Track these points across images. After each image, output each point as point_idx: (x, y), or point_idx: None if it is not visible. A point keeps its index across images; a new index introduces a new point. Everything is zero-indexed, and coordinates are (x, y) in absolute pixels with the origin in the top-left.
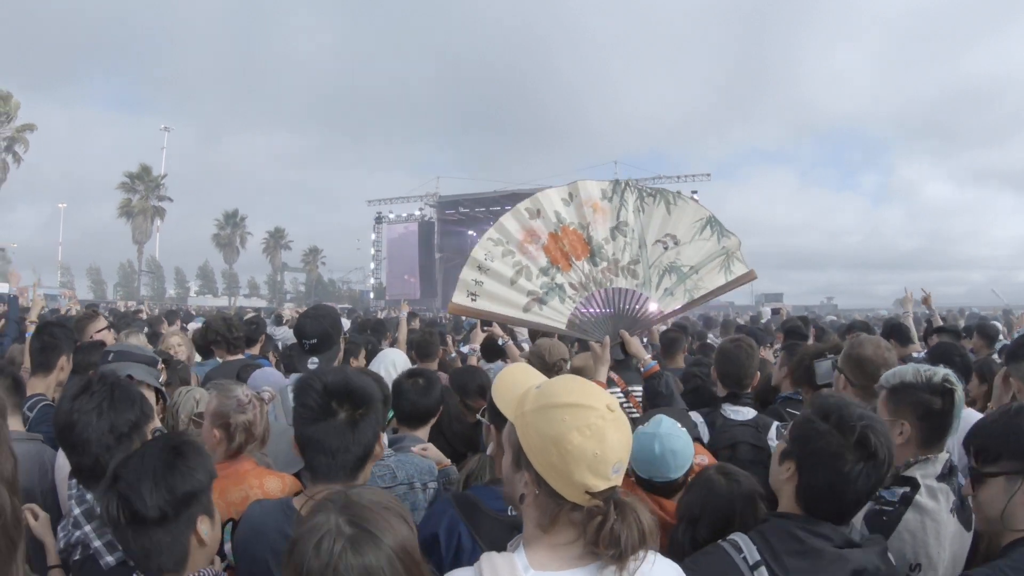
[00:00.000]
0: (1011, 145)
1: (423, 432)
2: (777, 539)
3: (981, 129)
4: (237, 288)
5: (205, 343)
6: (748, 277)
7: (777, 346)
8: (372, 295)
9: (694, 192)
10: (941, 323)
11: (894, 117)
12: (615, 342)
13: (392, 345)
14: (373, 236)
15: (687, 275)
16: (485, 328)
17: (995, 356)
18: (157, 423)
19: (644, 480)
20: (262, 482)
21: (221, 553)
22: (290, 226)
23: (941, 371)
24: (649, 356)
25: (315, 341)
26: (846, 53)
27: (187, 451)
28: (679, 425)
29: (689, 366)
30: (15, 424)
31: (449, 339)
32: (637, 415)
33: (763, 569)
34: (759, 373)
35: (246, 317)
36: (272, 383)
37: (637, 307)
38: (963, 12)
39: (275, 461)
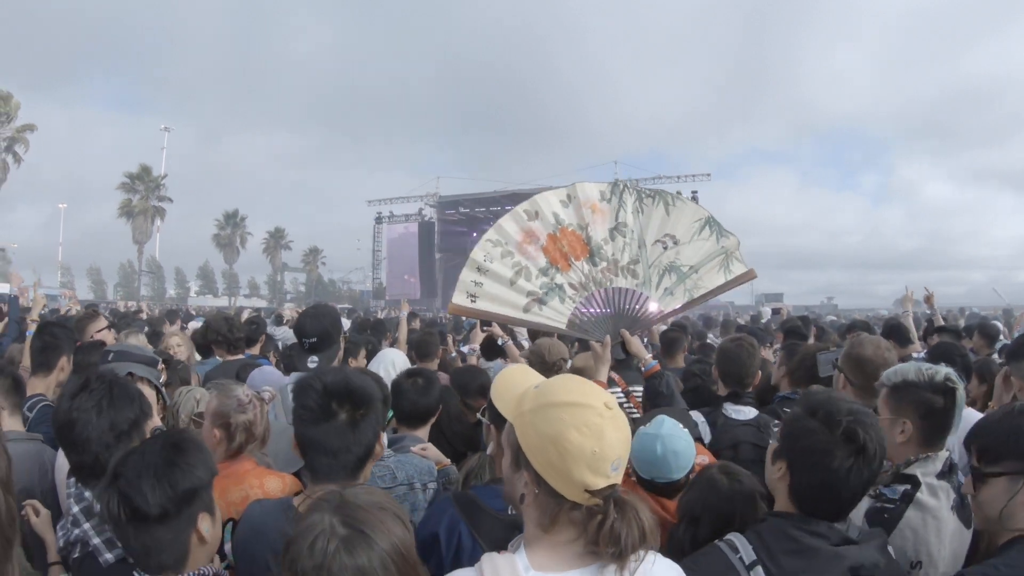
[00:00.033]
0: (1011, 145)
1: (423, 432)
2: (773, 538)
3: (981, 129)
4: (237, 288)
5: (206, 342)
6: (748, 276)
7: (777, 346)
8: (372, 295)
9: (694, 192)
10: (942, 323)
11: (894, 117)
12: (616, 341)
13: (392, 345)
14: (373, 236)
15: (687, 275)
16: (485, 328)
17: (995, 356)
18: (158, 422)
19: (646, 480)
20: (262, 482)
21: (221, 553)
22: (290, 226)
23: (943, 370)
24: (650, 356)
25: (315, 340)
26: (846, 53)
27: (188, 447)
28: (681, 426)
29: (689, 366)
30: (15, 424)
31: (450, 339)
32: (637, 415)
33: (759, 568)
34: (760, 372)
35: (246, 317)
36: (271, 382)
37: (637, 306)
38: (963, 12)
39: (275, 460)
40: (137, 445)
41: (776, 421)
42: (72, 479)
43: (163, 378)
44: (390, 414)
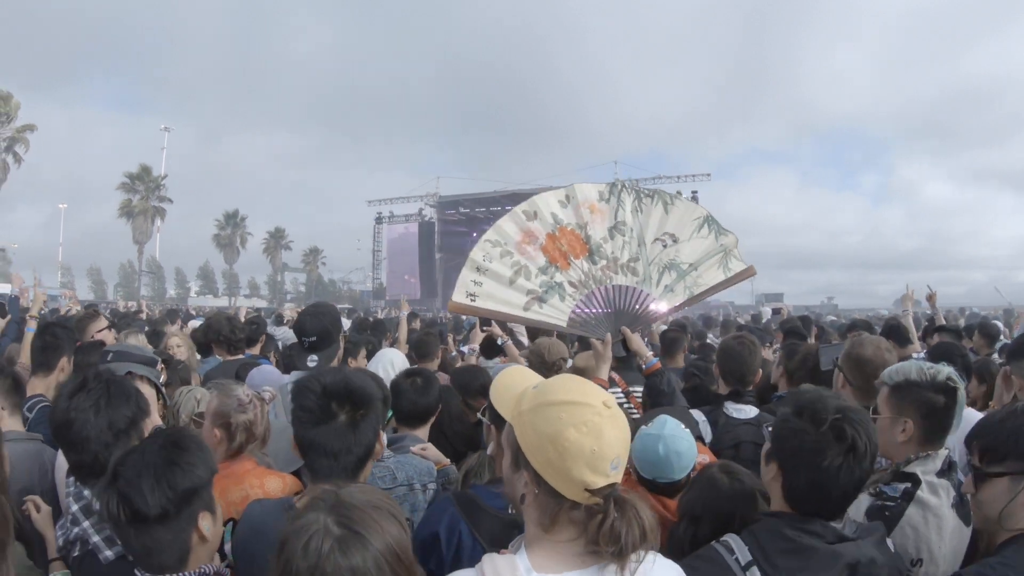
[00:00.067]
0: (1011, 145)
1: (423, 432)
2: (768, 539)
3: (981, 129)
4: (237, 288)
5: (206, 341)
6: (747, 273)
7: (777, 346)
8: (372, 295)
9: (694, 192)
10: (944, 322)
11: (894, 117)
12: (616, 339)
13: (392, 345)
14: (373, 236)
15: (686, 272)
16: (484, 328)
17: (995, 356)
18: (159, 421)
19: (647, 480)
20: (263, 482)
21: (221, 552)
22: (290, 226)
23: (945, 370)
24: (651, 354)
25: (315, 339)
26: (846, 53)
27: (188, 445)
28: (683, 426)
29: (688, 365)
30: (15, 424)
31: (450, 338)
32: (638, 416)
33: (755, 569)
34: (760, 371)
35: (247, 317)
36: (270, 381)
37: (638, 304)
38: (963, 12)
39: (275, 460)
40: (137, 444)
41: (769, 422)
42: (71, 478)
43: (163, 378)
44: (389, 414)
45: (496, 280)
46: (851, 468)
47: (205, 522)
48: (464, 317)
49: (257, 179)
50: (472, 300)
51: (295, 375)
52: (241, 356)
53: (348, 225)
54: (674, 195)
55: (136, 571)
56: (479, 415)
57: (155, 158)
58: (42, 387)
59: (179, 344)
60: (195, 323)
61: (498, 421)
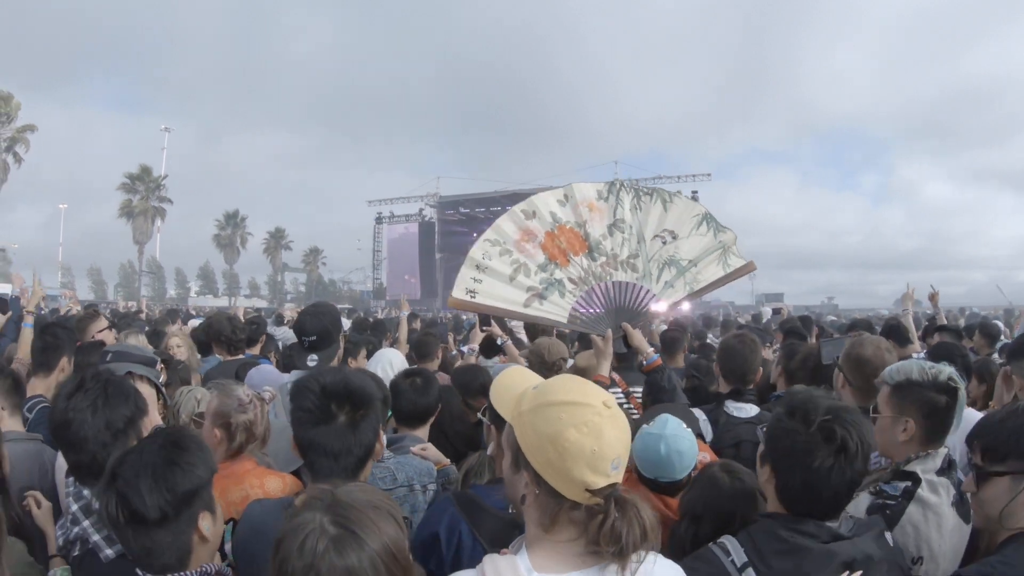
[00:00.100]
0: (1011, 145)
1: (422, 432)
2: (763, 540)
3: (981, 129)
4: (238, 288)
5: (207, 340)
6: (747, 268)
7: (777, 346)
8: (372, 295)
9: (694, 192)
10: (945, 322)
11: (894, 117)
12: (617, 335)
13: (392, 345)
14: (373, 236)
15: (686, 268)
16: (484, 328)
17: (995, 356)
18: (159, 421)
19: (648, 479)
20: (263, 482)
21: (222, 552)
22: (290, 226)
23: (947, 370)
24: (652, 350)
25: (315, 338)
26: (846, 53)
27: (187, 445)
28: (684, 425)
29: (687, 365)
30: (15, 424)
31: (450, 337)
32: (638, 416)
33: (750, 570)
34: (760, 370)
35: (247, 317)
36: (269, 381)
37: (638, 300)
38: (963, 12)
39: (275, 459)
40: (135, 444)
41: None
42: (71, 478)
43: (163, 378)
44: (388, 414)
45: (496, 277)
46: (842, 469)
47: (205, 522)
48: (464, 317)
49: (257, 179)
50: (472, 297)
51: (295, 375)
52: (241, 356)
53: (348, 225)
54: (673, 193)
55: (137, 570)
56: (479, 415)
57: (155, 158)
58: (42, 388)
59: (179, 344)
60: (195, 323)
61: (498, 421)
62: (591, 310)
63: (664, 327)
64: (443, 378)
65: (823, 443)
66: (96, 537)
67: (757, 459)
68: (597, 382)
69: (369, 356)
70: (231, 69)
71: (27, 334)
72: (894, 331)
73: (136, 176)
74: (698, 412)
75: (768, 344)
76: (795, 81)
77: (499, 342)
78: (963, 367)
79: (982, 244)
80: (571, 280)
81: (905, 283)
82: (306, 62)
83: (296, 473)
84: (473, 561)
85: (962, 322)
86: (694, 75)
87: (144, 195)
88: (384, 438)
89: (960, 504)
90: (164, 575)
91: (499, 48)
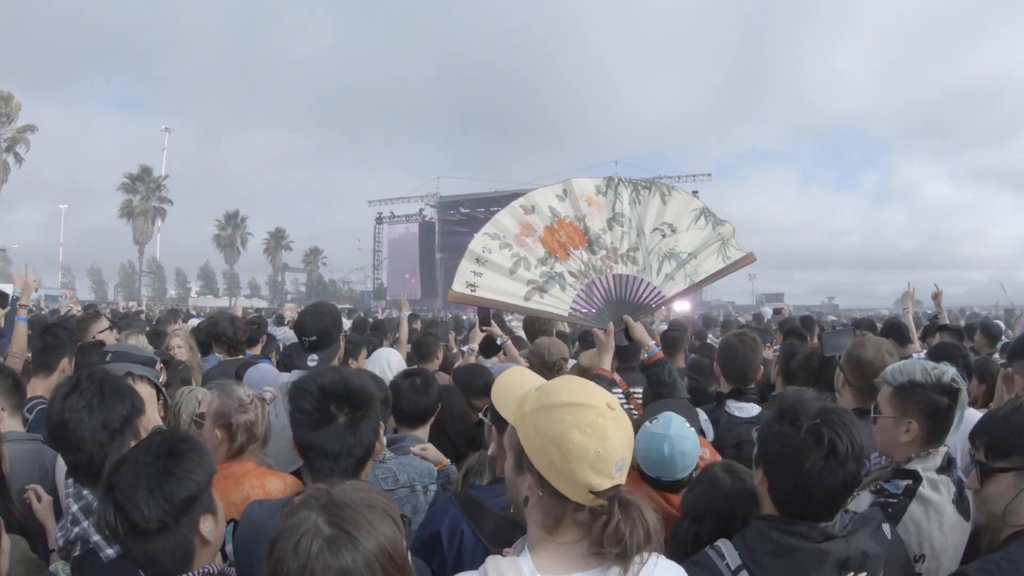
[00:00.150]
0: (1011, 145)
1: (423, 432)
2: (756, 542)
3: (981, 129)
4: (238, 289)
5: (208, 339)
6: (747, 260)
7: (778, 346)
8: (373, 295)
9: (695, 192)
10: (947, 322)
11: (894, 117)
12: (619, 328)
13: (393, 345)
14: (373, 236)
15: (686, 261)
16: (484, 328)
17: (996, 356)
18: (159, 421)
19: (650, 477)
20: (263, 482)
21: (223, 553)
22: (291, 226)
23: (950, 371)
24: (653, 343)
25: (315, 338)
26: (846, 53)
27: (182, 452)
28: (688, 425)
29: (689, 365)
30: (15, 425)
31: (451, 336)
32: (638, 418)
33: (744, 573)
34: (762, 369)
35: (247, 317)
36: (267, 380)
37: (639, 293)
38: (963, 12)
39: (276, 460)
40: (130, 451)
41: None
42: (70, 480)
43: (163, 378)
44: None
45: (496, 271)
46: (834, 471)
47: (207, 525)
48: (464, 317)
49: (257, 179)
50: (472, 290)
51: (295, 374)
52: (241, 356)
53: (348, 225)
54: (671, 187)
55: (140, 573)
56: (480, 415)
57: (155, 158)
58: (43, 388)
59: (180, 344)
60: (194, 322)
61: (500, 422)
62: (591, 310)
63: (664, 327)
64: (443, 378)
65: (813, 446)
66: (96, 537)
67: (752, 461)
68: (599, 375)
69: (369, 356)
70: (231, 69)
71: (21, 327)
72: (894, 330)
73: (136, 176)
74: (700, 412)
75: (768, 344)
76: (795, 81)
77: (499, 342)
78: (964, 367)
79: (982, 244)
80: (571, 274)
81: (906, 283)
82: (306, 62)
83: (297, 473)
84: (475, 561)
85: (962, 322)
86: (694, 75)
87: (144, 195)
88: (383, 437)
89: (960, 502)
90: None
91: (499, 48)
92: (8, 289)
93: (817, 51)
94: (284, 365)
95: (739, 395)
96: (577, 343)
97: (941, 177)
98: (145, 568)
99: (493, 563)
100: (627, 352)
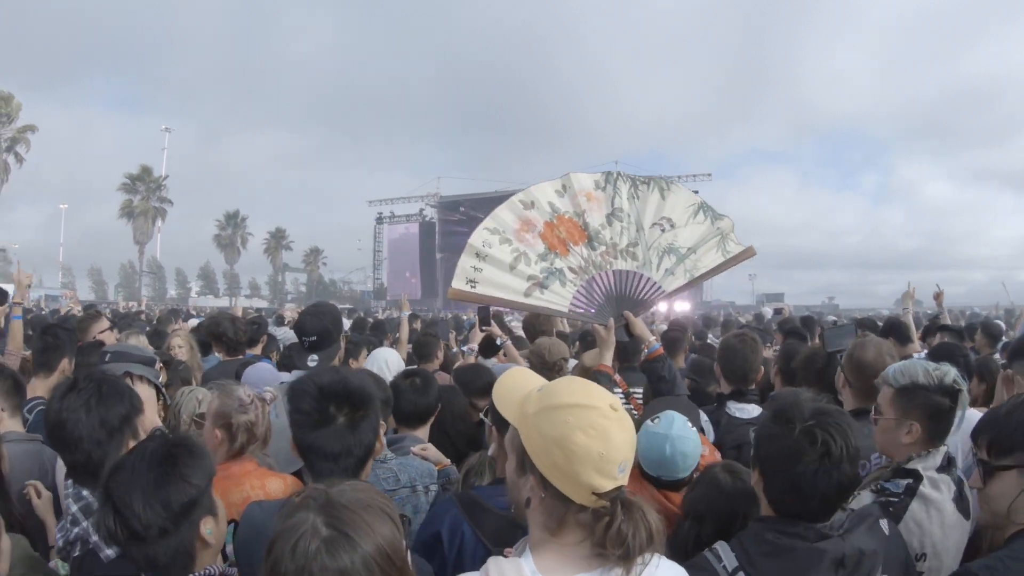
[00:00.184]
0: (1011, 145)
1: (423, 432)
2: (752, 543)
3: (981, 129)
4: (238, 289)
5: (209, 338)
6: (747, 253)
7: (778, 346)
8: (373, 295)
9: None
10: (948, 322)
11: (894, 117)
12: (619, 324)
13: (393, 345)
14: (374, 236)
15: (685, 255)
16: (483, 328)
17: (996, 355)
18: (158, 422)
19: (651, 477)
20: (264, 483)
21: (223, 553)
22: (291, 226)
23: (951, 372)
24: (654, 338)
25: (315, 338)
26: (846, 53)
27: (179, 457)
28: (690, 425)
29: (689, 365)
30: (15, 425)
31: (452, 335)
32: (638, 418)
33: (741, 574)
34: (762, 369)
35: (248, 317)
36: (265, 380)
37: (639, 288)
38: (963, 12)
39: (276, 460)
40: (127, 456)
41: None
42: (70, 480)
43: (162, 378)
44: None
45: (496, 266)
46: (828, 472)
47: (207, 526)
48: (464, 317)
49: (257, 179)
50: (472, 287)
51: (295, 375)
52: (240, 356)
53: (348, 225)
54: (669, 181)
55: (140, 573)
56: (481, 416)
57: (156, 158)
58: (43, 389)
59: (181, 344)
60: (194, 322)
61: (501, 423)
62: (590, 310)
63: (664, 327)
64: (443, 378)
65: (807, 447)
66: (96, 537)
67: (751, 462)
68: (601, 371)
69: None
70: (231, 69)
71: (16, 326)
72: (895, 328)
73: (136, 176)
74: (700, 413)
75: (769, 344)
76: (795, 81)
77: (499, 342)
78: (964, 367)
79: (982, 244)
80: (571, 269)
81: (906, 283)
82: (306, 62)
83: (298, 474)
84: (475, 561)
85: (962, 323)
86: (694, 75)
87: (144, 195)
88: (383, 437)
89: (960, 500)
90: None
91: (499, 48)
92: (9, 289)
93: (817, 51)
94: (284, 365)
95: (740, 396)
96: (577, 343)
97: (941, 177)
98: (146, 571)
99: (495, 564)
100: (627, 352)
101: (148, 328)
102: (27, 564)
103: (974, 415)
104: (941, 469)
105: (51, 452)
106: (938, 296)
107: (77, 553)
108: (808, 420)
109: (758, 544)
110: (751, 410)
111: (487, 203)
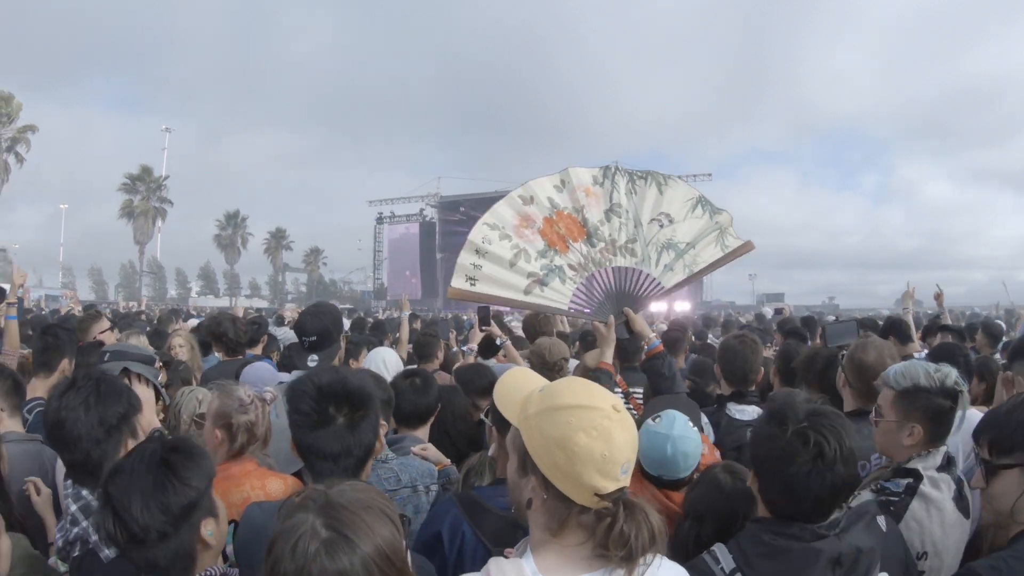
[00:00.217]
0: (1011, 145)
1: (423, 432)
2: (748, 544)
3: (981, 129)
4: (239, 289)
5: (209, 338)
6: (746, 248)
7: (779, 346)
8: (373, 295)
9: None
10: (949, 322)
11: (894, 117)
12: (619, 321)
13: (393, 345)
14: (374, 236)
15: (684, 251)
16: (483, 328)
17: (997, 355)
18: (156, 423)
19: (652, 476)
20: (264, 483)
21: (224, 554)
22: (291, 226)
23: (952, 374)
24: (654, 335)
25: (315, 338)
26: (846, 53)
27: (177, 462)
28: (691, 424)
29: (690, 365)
30: (15, 425)
31: (452, 335)
32: (638, 418)
33: (739, 575)
34: (763, 370)
35: (248, 317)
36: (264, 379)
37: (639, 285)
38: (963, 12)
39: (277, 460)
40: (126, 458)
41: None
42: (69, 481)
43: (162, 378)
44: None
45: (496, 263)
46: (821, 474)
47: (208, 528)
48: (465, 317)
49: (258, 179)
50: (472, 284)
51: (295, 375)
52: (240, 357)
53: (349, 225)
54: (667, 176)
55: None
56: (482, 416)
57: (156, 158)
58: (43, 389)
59: (182, 344)
60: (194, 322)
61: (501, 423)
62: (591, 304)
63: (665, 327)
64: (444, 378)
65: (800, 448)
66: (95, 537)
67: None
68: (602, 369)
69: None
70: (231, 69)
71: (12, 326)
72: (895, 327)
73: (137, 176)
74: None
75: (769, 344)
76: (795, 81)
77: (498, 342)
78: (965, 368)
79: (982, 244)
80: (571, 267)
81: (906, 283)
82: (306, 62)
83: (298, 474)
84: (475, 561)
85: (962, 323)
86: (694, 75)
87: (145, 195)
88: (383, 437)
89: (960, 500)
90: None
91: (499, 48)
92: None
93: (817, 51)
94: (284, 365)
95: (740, 398)
96: (577, 343)
97: (941, 177)
98: (147, 573)
99: (496, 564)
100: (627, 352)
101: (148, 328)
102: (27, 563)
103: (974, 415)
104: (941, 468)
105: (51, 452)
106: (938, 296)
107: (76, 553)
108: (801, 421)
109: (755, 545)
110: (751, 411)
111: (487, 203)
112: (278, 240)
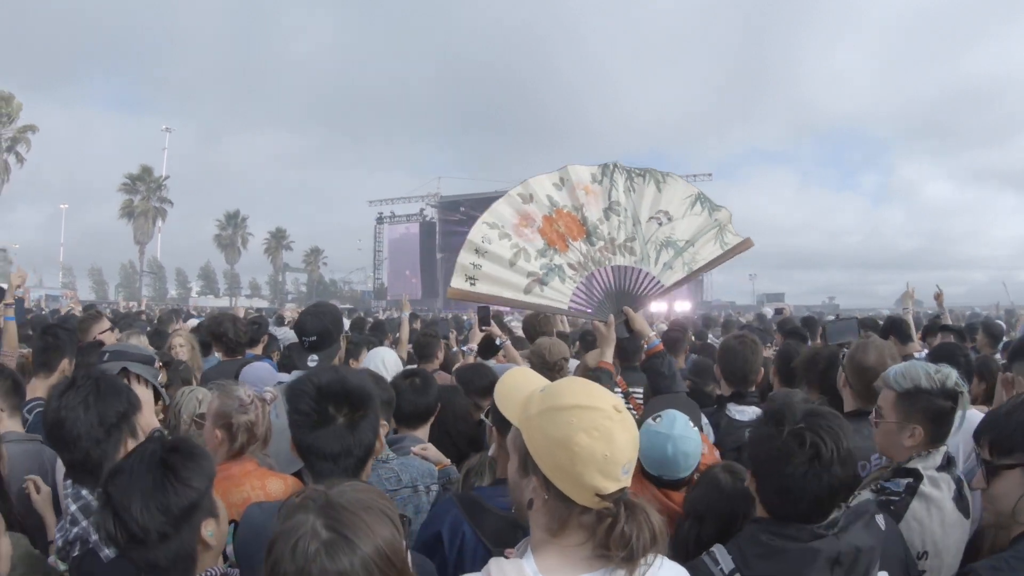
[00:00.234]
0: (1011, 145)
1: (423, 432)
2: (747, 545)
3: (981, 129)
4: (239, 289)
5: (209, 338)
6: (745, 245)
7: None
8: (373, 295)
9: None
10: (949, 322)
11: (894, 117)
12: (619, 320)
13: (393, 345)
14: (374, 236)
15: (683, 249)
16: (483, 328)
17: (997, 355)
18: (156, 423)
19: (652, 475)
20: (264, 483)
21: (224, 554)
22: (291, 226)
23: (953, 375)
24: (654, 334)
25: (315, 338)
26: (846, 53)
27: (177, 462)
28: (691, 424)
29: (690, 365)
30: (15, 425)
31: (452, 335)
32: (638, 418)
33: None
34: (763, 370)
35: (248, 317)
36: (263, 379)
37: (638, 284)
38: (963, 12)
39: (277, 460)
40: (126, 459)
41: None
42: (69, 481)
43: (162, 378)
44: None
45: (496, 262)
46: (817, 474)
47: (208, 528)
48: (465, 317)
49: (258, 179)
50: (472, 284)
51: (295, 375)
52: (240, 357)
53: (349, 225)
54: (665, 173)
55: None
56: (483, 416)
57: (156, 158)
58: (43, 389)
59: (182, 344)
60: (193, 322)
61: (502, 423)
62: (591, 304)
63: (665, 327)
64: (444, 378)
65: (796, 449)
66: (96, 537)
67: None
68: (602, 368)
69: None
70: (231, 69)
71: (11, 327)
72: (896, 327)
73: (137, 176)
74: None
75: (769, 344)
76: (795, 81)
77: (498, 342)
78: (965, 368)
79: (982, 244)
80: (571, 266)
81: (905, 283)
82: (306, 62)
83: (298, 474)
84: (476, 561)
85: (962, 323)
86: (694, 75)
87: (145, 195)
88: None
89: (959, 500)
90: None
91: (499, 48)
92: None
93: (817, 51)
94: (284, 365)
95: (739, 398)
96: (578, 343)
97: (941, 177)
98: (147, 574)
99: (496, 565)
100: (627, 352)
101: (149, 328)
102: (28, 563)
103: (975, 415)
104: (941, 468)
105: (51, 452)
106: (938, 296)
107: (76, 553)
108: (799, 422)
109: (753, 546)
110: (751, 412)
111: (487, 203)
112: (278, 240)
